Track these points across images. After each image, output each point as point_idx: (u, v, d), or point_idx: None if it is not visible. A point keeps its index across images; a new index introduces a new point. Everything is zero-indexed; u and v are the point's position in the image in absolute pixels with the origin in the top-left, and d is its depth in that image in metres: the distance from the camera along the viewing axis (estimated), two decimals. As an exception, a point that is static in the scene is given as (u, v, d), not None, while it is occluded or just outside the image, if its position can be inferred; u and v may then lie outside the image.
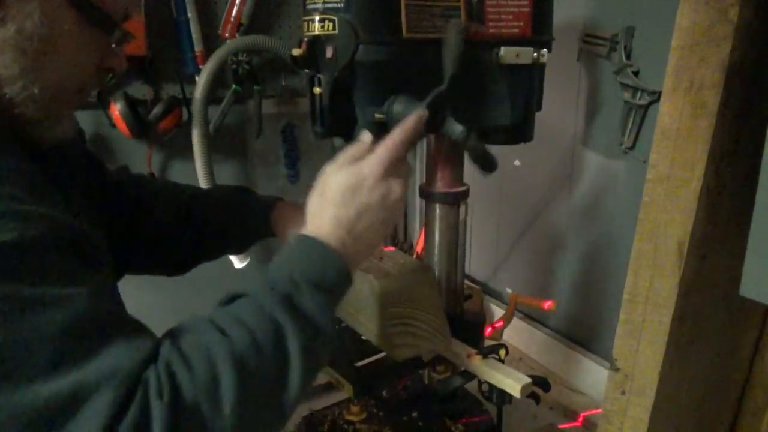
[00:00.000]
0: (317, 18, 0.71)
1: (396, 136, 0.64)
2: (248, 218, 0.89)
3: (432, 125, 0.68)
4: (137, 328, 0.51)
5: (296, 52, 0.69)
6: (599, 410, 1.12)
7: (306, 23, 0.73)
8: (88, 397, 0.44)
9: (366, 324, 0.85)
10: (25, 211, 0.47)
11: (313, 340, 0.54)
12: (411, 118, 0.66)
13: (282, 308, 0.53)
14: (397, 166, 0.64)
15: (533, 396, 0.86)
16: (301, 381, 0.52)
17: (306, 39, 0.70)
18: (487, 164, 0.73)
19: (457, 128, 0.69)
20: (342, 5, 0.69)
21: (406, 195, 0.66)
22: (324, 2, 0.70)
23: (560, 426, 1.08)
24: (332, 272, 0.59)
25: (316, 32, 0.71)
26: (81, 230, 0.52)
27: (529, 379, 0.82)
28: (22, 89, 0.55)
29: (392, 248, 0.94)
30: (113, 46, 0.62)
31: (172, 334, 0.52)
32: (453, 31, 0.67)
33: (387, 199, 0.63)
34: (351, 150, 0.65)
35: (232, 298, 0.57)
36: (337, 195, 0.62)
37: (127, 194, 0.85)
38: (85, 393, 0.44)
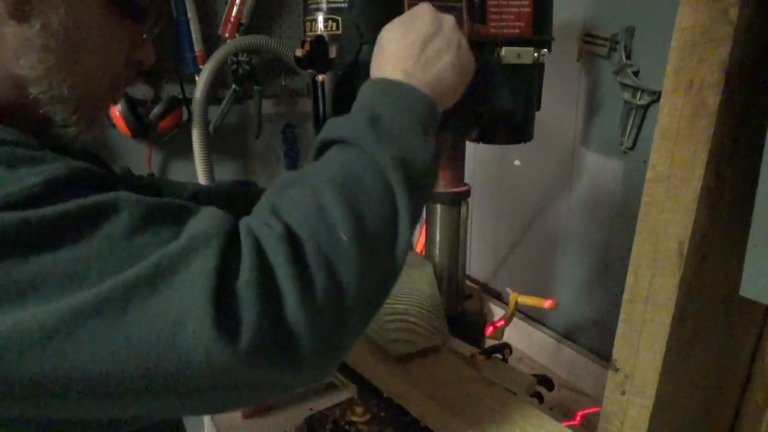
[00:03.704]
0: (321, 18, 0.71)
1: None
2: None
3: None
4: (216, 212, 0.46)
5: (299, 52, 0.69)
6: (597, 408, 1.13)
7: (308, 23, 0.73)
8: (185, 260, 0.40)
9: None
10: (49, 157, 0.43)
11: (405, 157, 0.50)
12: None
13: (375, 140, 0.50)
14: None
15: (537, 395, 0.87)
16: (410, 214, 0.49)
17: (309, 39, 0.70)
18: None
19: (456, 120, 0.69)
20: (346, 5, 0.69)
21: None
22: (328, 2, 0.70)
23: (560, 425, 1.08)
24: (418, 102, 0.55)
25: (320, 32, 0.71)
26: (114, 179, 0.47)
27: (534, 379, 0.82)
28: (48, 89, 0.51)
29: None
30: (144, 36, 0.58)
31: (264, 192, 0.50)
32: None
33: (443, 29, 0.60)
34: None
35: (321, 148, 0.53)
36: (392, 43, 0.60)
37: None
38: (180, 259, 0.40)
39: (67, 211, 0.40)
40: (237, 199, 0.89)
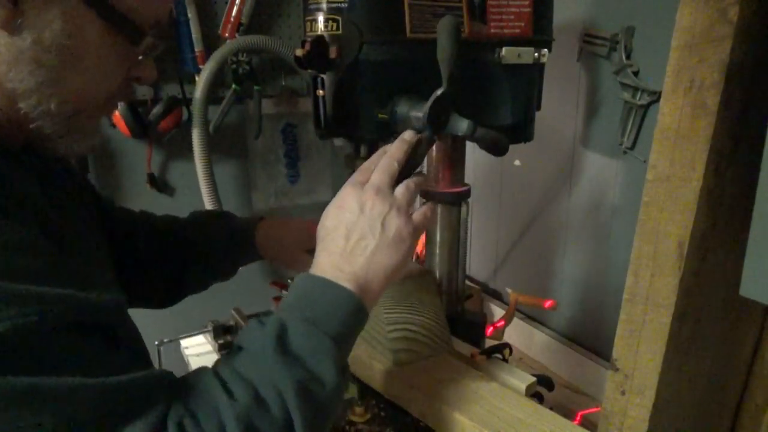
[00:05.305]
0: (321, 18, 0.71)
1: (386, 159, 0.64)
2: (231, 243, 0.87)
3: (435, 127, 0.68)
4: (144, 394, 0.48)
5: (299, 52, 0.69)
6: (597, 408, 1.13)
7: (309, 23, 0.73)
8: None
9: (367, 329, 0.85)
10: (25, 294, 0.43)
11: (309, 385, 0.52)
12: (397, 143, 0.66)
13: (276, 359, 0.52)
14: (405, 195, 0.63)
15: (537, 395, 0.87)
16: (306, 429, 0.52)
17: (309, 39, 0.70)
18: (498, 148, 0.73)
19: (462, 124, 0.69)
20: (346, 5, 0.69)
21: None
22: (328, 2, 0.70)
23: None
24: (337, 306, 0.57)
25: (320, 32, 0.71)
26: (92, 305, 0.48)
27: (534, 379, 0.82)
28: (37, 104, 0.51)
29: None
30: (140, 57, 0.58)
31: (181, 392, 0.51)
32: (443, 30, 0.66)
33: (364, 211, 0.61)
34: (357, 175, 0.64)
35: (235, 349, 0.57)
36: (325, 232, 0.62)
37: (114, 226, 0.81)
38: None
39: (28, 385, 0.42)
40: (214, 234, 0.88)
